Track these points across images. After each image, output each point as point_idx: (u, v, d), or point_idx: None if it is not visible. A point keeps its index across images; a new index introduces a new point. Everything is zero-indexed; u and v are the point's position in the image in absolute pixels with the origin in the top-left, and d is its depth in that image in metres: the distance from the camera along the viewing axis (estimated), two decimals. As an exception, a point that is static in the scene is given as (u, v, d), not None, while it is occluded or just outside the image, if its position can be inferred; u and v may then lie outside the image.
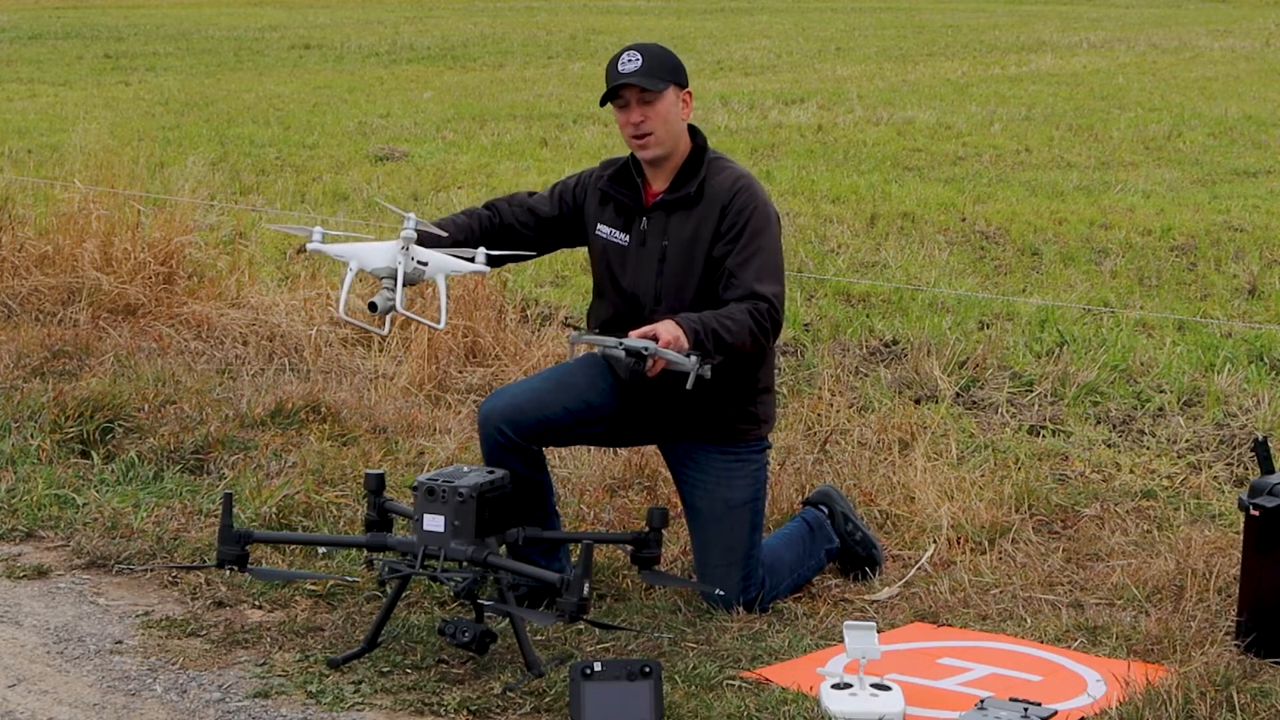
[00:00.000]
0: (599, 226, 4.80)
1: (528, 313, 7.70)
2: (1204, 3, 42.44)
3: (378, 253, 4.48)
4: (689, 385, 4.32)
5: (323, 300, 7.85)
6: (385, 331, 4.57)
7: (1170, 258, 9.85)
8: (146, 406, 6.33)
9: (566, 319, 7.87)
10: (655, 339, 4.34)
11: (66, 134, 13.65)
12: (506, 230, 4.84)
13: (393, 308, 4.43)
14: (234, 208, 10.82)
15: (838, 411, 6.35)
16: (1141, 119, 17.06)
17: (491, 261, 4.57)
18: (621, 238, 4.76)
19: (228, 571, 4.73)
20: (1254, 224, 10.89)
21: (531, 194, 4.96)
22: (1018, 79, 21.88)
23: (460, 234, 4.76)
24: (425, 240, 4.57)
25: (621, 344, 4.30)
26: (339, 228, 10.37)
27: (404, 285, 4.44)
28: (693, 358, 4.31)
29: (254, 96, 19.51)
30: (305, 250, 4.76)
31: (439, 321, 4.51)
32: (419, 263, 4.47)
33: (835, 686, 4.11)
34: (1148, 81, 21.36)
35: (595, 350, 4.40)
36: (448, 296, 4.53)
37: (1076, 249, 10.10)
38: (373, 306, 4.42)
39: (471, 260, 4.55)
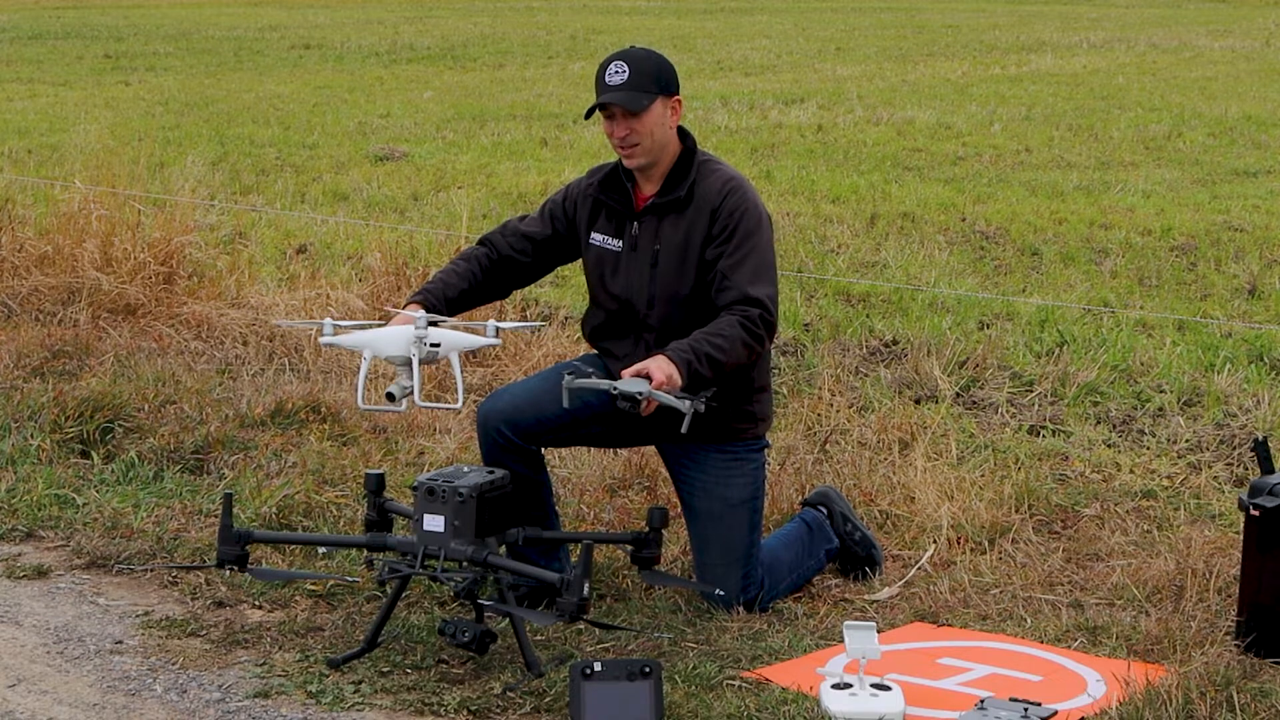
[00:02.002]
0: (592, 235, 4.81)
1: (527, 313, 7.70)
2: (1204, 3, 42.44)
3: (390, 340, 4.53)
4: (684, 429, 4.33)
5: (323, 300, 7.84)
6: (404, 409, 4.60)
7: (1170, 258, 9.85)
8: (146, 406, 6.33)
9: (566, 318, 7.87)
10: (649, 377, 4.34)
11: (66, 134, 13.67)
12: (505, 263, 4.87)
13: (410, 395, 4.48)
14: (234, 208, 10.82)
15: (838, 411, 6.35)
16: (1141, 119, 17.06)
17: (497, 307, 4.61)
18: (614, 244, 4.76)
19: (228, 571, 4.73)
20: (1254, 224, 10.89)
21: (522, 218, 4.97)
22: (1018, 79, 21.88)
23: (463, 283, 4.81)
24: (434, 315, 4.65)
25: (616, 388, 4.31)
26: (339, 229, 10.37)
27: (420, 368, 4.50)
28: (687, 402, 4.31)
29: (254, 96, 19.51)
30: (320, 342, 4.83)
31: (456, 402, 4.55)
32: (432, 345, 4.52)
33: (835, 686, 4.11)
34: (1148, 81, 21.36)
35: (587, 384, 4.42)
36: (462, 374, 4.57)
37: (1076, 249, 10.09)
38: (390, 397, 4.48)
39: (483, 334, 4.60)
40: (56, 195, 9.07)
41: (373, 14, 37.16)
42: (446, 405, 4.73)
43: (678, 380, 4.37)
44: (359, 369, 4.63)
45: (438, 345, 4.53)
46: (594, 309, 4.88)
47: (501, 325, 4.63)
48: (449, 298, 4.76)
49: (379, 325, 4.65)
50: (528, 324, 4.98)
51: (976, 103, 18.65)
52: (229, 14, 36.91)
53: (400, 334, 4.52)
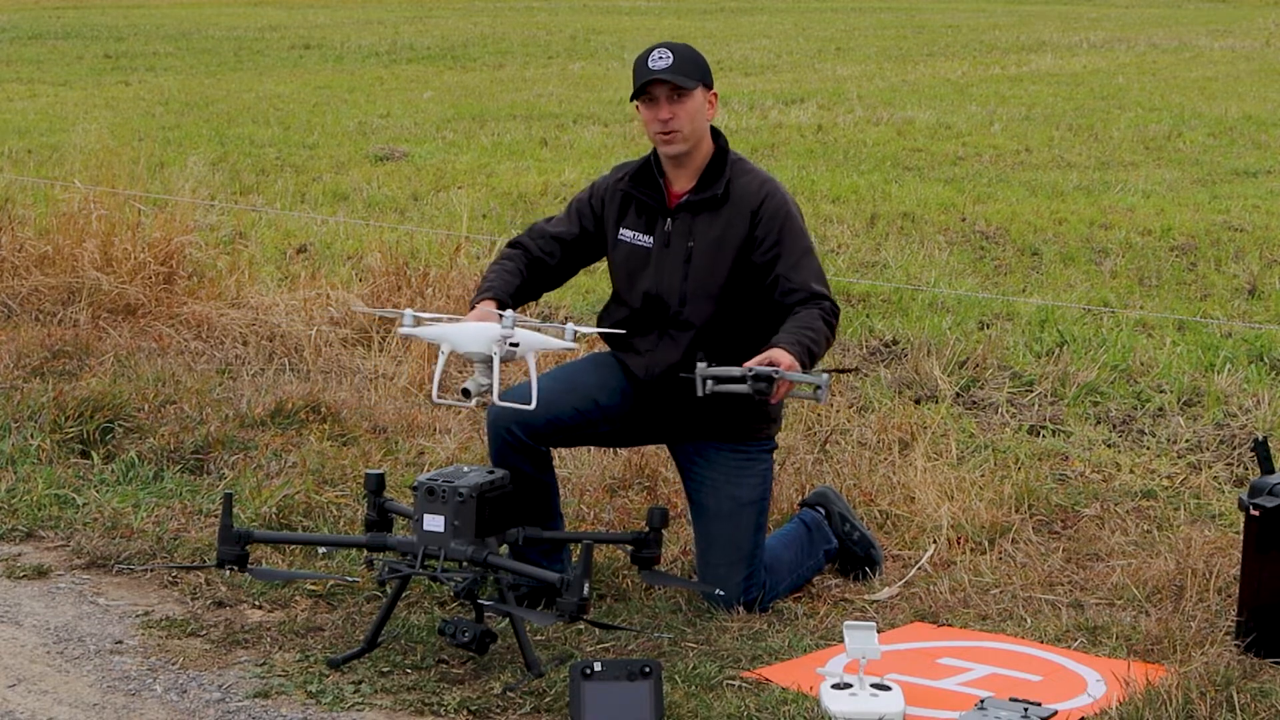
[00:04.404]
0: (621, 231, 4.80)
1: (528, 312, 7.70)
2: (1204, 3, 42.44)
3: (471, 336, 4.46)
4: (822, 399, 4.35)
5: (322, 300, 7.84)
6: (473, 404, 4.55)
7: (1170, 258, 9.85)
8: (146, 406, 6.33)
9: (567, 318, 7.86)
10: (774, 365, 4.34)
11: (66, 134, 13.66)
12: (536, 265, 4.84)
13: (487, 393, 4.43)
14: (234, 208, 10.82)
15: (838, 411, 6.35)
16: (1141, 119, 17.06)
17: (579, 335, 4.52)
18: (645, 240, 4.76)
19: (228, 571, 4.73)
20: (1254, 224, 10.89)
21: (549, 220, 4.95)
22: (1018, 79, 21.88)
23: (516, 279, 4.77)
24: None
25: (752, 371, 4.29)
26: (339, 229, 10.38)
27: (500, 367, 4.43)
28: (824, 375, 4.34)
29: (254, 96, 19.51)
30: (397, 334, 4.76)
31: (530, 402, 4.49)
32: (511, 344, 4.46)
33: (835, 686, 4.11)
34: (1148, 81, 21.36)
35: (706, 383, 4.36)
36: (538, 374, 4.51)
37: (1076, 249, 10.09)
38: (466, 394, 4.41)
39: (560, 336, 4.52)
40: (56, 195, 9.07)
41: (373, 14, 37.16)
42: (521, 406, 4.56)
43: (797, 368, 4.39)
44: (436, 361, 4.53)
45: (516, 345, 4.46)
46: (616, 305, 4.85)
47: (581, 330, 4.54)
48: (511, 295, 4.74)
49: (458, 320, 4.58)
50: (611, 330, 4.76)
51: (976, 103, 18.65)
52: (229, 14, 36.90)
53: (482, 330, 4.46)
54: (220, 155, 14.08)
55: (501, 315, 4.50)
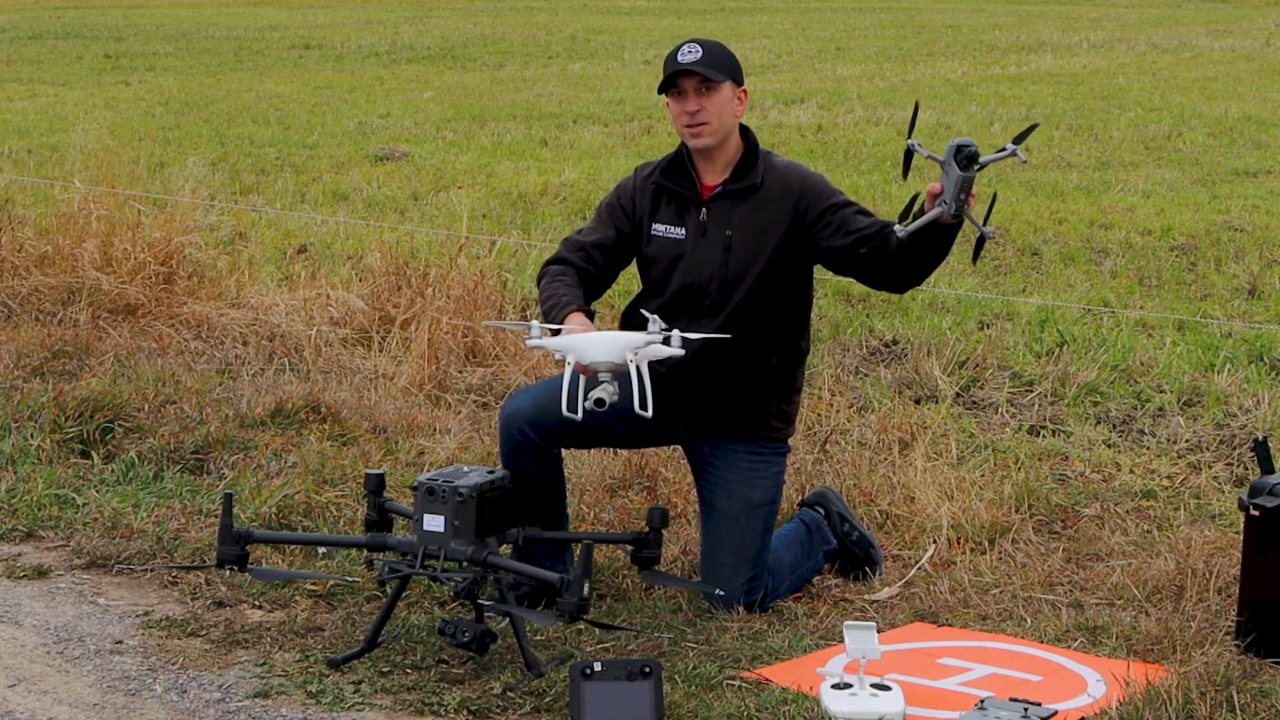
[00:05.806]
0: (654, 226, 4.79)
1: (527, 313, 7.70)
2: (1204, 3, 42.44)
3: (599, 347, 4.36)
4: (1021, 156, 4.66)
5: (322, 300, 7.84)
6: (579, 417, 4.46)
7: (1170, 258, 9.85)
8: (146, 406, 6.33)
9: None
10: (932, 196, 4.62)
11: (66, 134, 13.67)
12: (585, 276, 4.82)
13: (629, 407, 4.34)
14: (234, 208, 10.82)
15: (838, 411, 6.36)
16: (1141, 119, 17.06)
17: (687, 342, 4.48)
18: (677, 232, 4.76)
19: (228, 571, 4.73)
20: (1254, 224, 10.89)
21: (579, 231, 4.93)
22: (1018, 79, 21.88)
23: (581, 290, 4.74)
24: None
25: (982, 162, 4.52)
26: (339, 229, 10.37)
27: (637, 375, 4.35)
28: (990, 228, 4.64)
29: (254, 96, 19.51)
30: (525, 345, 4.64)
31: (646, 409, 4.40)
32: (633, 352, 4.38)
33: (835, 686, 4.11)
34: (1148, 81, 21.36)
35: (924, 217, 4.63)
36: (651, 383, 4.41)
37: (1076, 249, 10.10)
38: (600, 403, 4.32)
39: (667, 343, 4.43)
40: (56, 195, 9.08)
41: (373, 14, 37.16)
42: (643, 414, 4.42)
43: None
44: (564, 372, 4.41)
45: (635, 353, 4.38)
46: (647, 299, 4.82)
47: (688, 335, 4.47)
48: (585, 304, 4.72)
49: (582, 331, 4.49)
50: (716, 335, 4.67)
51: (976, 103, 18.64)
52: (229, 14, 36.90)
53: (610, 340, 4.37)
54: (220, 155, 14.08)
55: (648, 320, 4.42)
